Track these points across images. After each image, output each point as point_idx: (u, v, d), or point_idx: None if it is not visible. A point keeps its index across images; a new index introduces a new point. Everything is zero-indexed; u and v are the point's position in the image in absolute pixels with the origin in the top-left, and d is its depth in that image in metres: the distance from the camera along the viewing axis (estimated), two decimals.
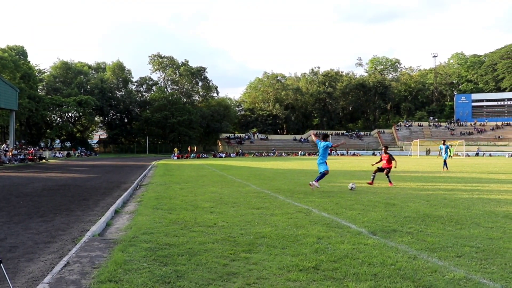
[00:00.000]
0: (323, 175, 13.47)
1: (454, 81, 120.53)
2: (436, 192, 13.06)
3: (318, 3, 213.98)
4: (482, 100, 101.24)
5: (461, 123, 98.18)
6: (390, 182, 15.48)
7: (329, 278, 4.66)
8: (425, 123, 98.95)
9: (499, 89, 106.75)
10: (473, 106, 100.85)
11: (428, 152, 76.19)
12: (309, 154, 76.15)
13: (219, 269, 4.96)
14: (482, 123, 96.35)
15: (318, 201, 10.79)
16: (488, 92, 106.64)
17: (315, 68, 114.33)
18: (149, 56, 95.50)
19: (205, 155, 68.94)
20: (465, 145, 71.80)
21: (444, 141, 28.74)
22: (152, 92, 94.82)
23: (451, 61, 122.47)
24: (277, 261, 5.30)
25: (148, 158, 58.31)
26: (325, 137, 13.97)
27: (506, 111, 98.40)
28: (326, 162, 13.60)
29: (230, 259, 5.40)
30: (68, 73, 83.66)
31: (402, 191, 13.29)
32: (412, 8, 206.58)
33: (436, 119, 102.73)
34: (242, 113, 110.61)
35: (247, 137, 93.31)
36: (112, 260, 5.32)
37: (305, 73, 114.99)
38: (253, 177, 20.09)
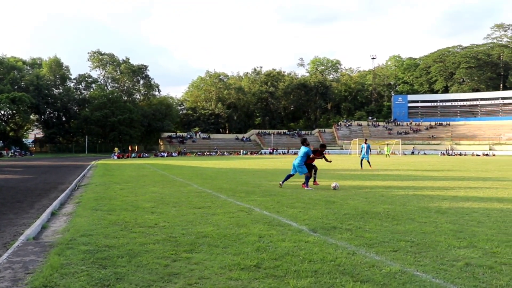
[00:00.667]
0: (307, 178, 14.04)
1: (392, 83, 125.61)
2: (374, 190, 13.52)
3: (261, 3, 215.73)
4: (417, 101, 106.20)
5: (398, 122, 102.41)
6: (314, 181, 15.45)
7: (271, 276, 4.70)
8: (364, 123, 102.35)
9: (432, 91, 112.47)
10: (409, 107, 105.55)
11: None
12: (251, 153, 76.61)
13: (160, 270, 4.88)
14: (417, 123, 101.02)
15: (260, 200, 10.87)
16: (422, 93, 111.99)
17: (258, 67, 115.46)
18: (88, 53, 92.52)
19: (146, 154, 67.66)
20: (401, 144, 74.92)
21: (366, 140, 29.31)
22: (91, 90, 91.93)
23: (389, 63, 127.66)
24: (218, 260, 5.28)
25: (87, 158, 56.37)
26: (304, 142, 14.67)
27: (439, 112, 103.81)
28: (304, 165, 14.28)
29: (172, 259, 5.33)
30: (0, 68, 79.28)
31: (342, 189, 13.65)
32: (352, 11, 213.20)
33: (375, 119, 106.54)
34: (184, 112, 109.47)
35: (189, 136, 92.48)
36: (48, 264, 5.09)
37: (247, 73, 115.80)
38: (195, 176, 19.94)
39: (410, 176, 19.93)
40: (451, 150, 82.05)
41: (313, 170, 15.19)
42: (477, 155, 72.06)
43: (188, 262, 5.20)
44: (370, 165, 26.45)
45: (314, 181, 15.20)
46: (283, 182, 14.63)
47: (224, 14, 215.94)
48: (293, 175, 14.66)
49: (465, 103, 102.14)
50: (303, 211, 9.01)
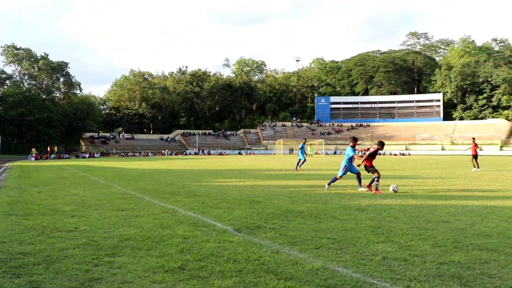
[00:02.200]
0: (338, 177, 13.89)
1: (315, 84, 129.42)
2: (298, 189, 13.85)
3: (188, 2, 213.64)
4: (339, 103, 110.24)
5: (321, 123, 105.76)
6: None
7: (195, 277, 4.67)
8: (288, 123, 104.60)
9: (353, 93, 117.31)
10: (331, 108, 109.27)
11: (291, 151, 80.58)
12: (176, 154, 75.61)
13: (81, 276, 4.68)
14: (340, 123, 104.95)
15: (184, 201, 10.76)
16: (344, 95, 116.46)
17: (183, 67, 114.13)
18: (1, 47, 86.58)
19: (66, 155, 64.63)
20: (324, 144, 77.43)
21: (305, 140, 28.94)
22: (5, 87, 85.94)
23: (313, 65, 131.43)
24: (142, 263, 5.16)
25: (1, 159, 52.69)
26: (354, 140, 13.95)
27: (359, 113, 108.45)
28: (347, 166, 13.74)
29: (93, 264, 5.13)
30: None
31: (266, 189, 13.85)
32: (278, 13, 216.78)
33: (299, 120, 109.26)
34: (107, 111, 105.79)
35: (112, 136, 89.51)
36: None
37: (172, 72, 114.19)
38: (118, 178, 19.35)
39: (332, 175, 20.58)
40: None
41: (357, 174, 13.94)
42: (395, 154, 76.01)
43: (110, 267, 5.04)
44: (298, 166, 25.12)
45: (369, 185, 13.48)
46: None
47: (150, 11, 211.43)
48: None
49: (383, 105, 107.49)
50: (227, 212, 9.03)
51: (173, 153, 76.83)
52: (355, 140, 13.83)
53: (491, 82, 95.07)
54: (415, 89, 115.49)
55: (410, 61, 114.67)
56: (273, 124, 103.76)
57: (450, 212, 8.92)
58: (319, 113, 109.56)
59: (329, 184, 13.91)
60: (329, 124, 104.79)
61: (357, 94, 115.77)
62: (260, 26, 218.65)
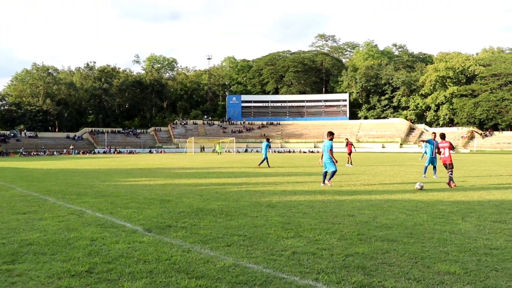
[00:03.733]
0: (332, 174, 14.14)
1: (226, 83, 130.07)
2: (209, 187, 13.86)
3: None
4: (250, 101, 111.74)
5: (232, 121, 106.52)
6: None
7: (104, 280, 4.52)
8: (199, 121, 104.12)
9: (264, 92, 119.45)
10: (242, 107, 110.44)
11: (202, 149, 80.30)
12: (83, 153, 72.27)
13: None
14: (250, 122, 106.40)
15: (92, 201, 10.36)
16: (255, 94, 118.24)
17: (91, 62, 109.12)
18: None
19: None
20: (235, 142, 78.10)
21: (268, 139, 29.48)
22: None
23: (224, 64, 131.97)
24: (46, 269, 4.89)
25: None
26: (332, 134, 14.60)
27: (270, 112, 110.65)
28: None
29: None
30: None
31: (177, 187, 13.72)
32: (191, 11, 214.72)
33: (210, 118, 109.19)
34: (6, 107, 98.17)
35: (12, 134, 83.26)
36: None
37: (80, 68, 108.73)
38: (19, 179, 18.10)
39: (243, 173, 20.89)
40: (281, 147, 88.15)
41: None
42: (304, 152, 78.54)
43: (9, 275, 4.71)
44: (267, 163, 26.42)
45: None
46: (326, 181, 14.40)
47: (55, 2, 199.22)
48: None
49: (293, 104, 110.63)
50: (137, 211, 8.84)
51: (81, 152, 73.32)
52: (332, 134, 14.68)
53: (392, 84, 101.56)
54: (323, 89, 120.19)
55: (319, 62, 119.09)
56: (184, 122, 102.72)
57: (355, 207, 9.42)
58: (230, 112, 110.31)
59: (328, 180, 14.35)
60: (240, 122, 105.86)
61: (268, 93, 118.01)
62: (172, 23, 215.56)
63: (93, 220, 7.88)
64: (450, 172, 13.99)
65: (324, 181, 14.38)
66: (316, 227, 7.17)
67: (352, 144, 29.95)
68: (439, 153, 14.69)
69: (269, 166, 26.08)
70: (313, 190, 12.99)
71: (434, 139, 17.69)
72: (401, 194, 11.87)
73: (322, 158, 14.46)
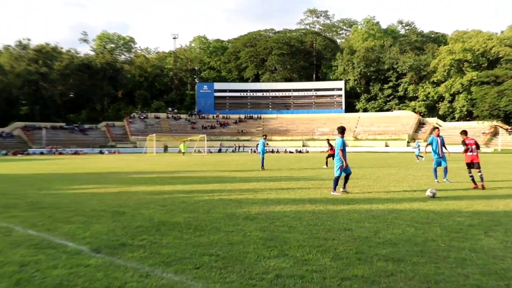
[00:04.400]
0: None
1: (196, 68, 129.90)
2: (174, 196, 13.75)
3: None
4: (225, 91, 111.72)
5: (203, 115, 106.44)
6: None
7: None
8: (163, 115, 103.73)
9: (242, 79, 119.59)
10: (216, 97, 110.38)
11: (166, 149, 79.90)
12: (14, 154, 71.23)
13: None
14: (226, 115, 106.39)
15: (24, 216, 10.17)
16: (231, 81, 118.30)
17: (24, 40, 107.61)
18: None
19: None
20: (207, 140, 77.83)
21: (265, 135, 30.70)
22: None
23: (193, 44, 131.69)
24: None
25: None
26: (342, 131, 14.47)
27: (249, 103, 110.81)
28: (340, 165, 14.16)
29: None
30: None
31: (135, 196, 13.58)
32: None
33: (176, 111, 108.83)
34: None
35: None
36: None
37: (9, 46, 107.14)
38: None
39: (217, 178, 20.80)
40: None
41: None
42: (290, 152, 78.76)
43: None
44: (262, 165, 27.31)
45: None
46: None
47: None
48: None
49: (277, 94, 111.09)
50: (83, 227, 8.70)
51: (10, 153, 72.22)
52: (342, 130, 14.55)
53: (397, 69, 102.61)
54: (314, 75, 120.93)
55: (308, 43, 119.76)
56: (144, 115, 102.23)
57: (352, 218, 9.42)
58: (201, 103, 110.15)
59: (333, 189, 14.41)
60: (213, 116, 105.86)
61: (247, 81, 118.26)
62: None
63: (24, 240, 7.71)
64: (480, 172, 15.19)
65: (344, 185, 14.58)
66: (305, 244, 7.13)
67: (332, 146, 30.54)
68: (468, 150, 15.51)
69: (262, 168, 26.88)
70: (301, 198, 12.98)
71: (437, 136, 17.94)
72: (409, 203, 11.93)
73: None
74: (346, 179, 14.56)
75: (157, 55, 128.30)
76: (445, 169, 17.89)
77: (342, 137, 14.23)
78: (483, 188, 14.82)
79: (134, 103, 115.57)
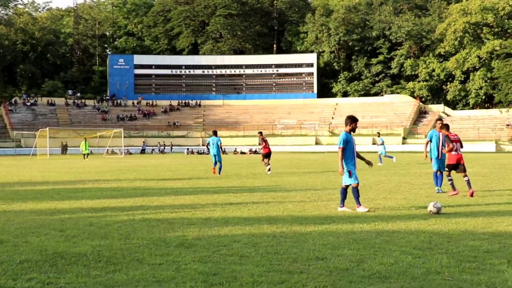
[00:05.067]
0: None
1: (108, 33, 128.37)
2: (77, 216, 13.61)
3: None
4: (150, 67, 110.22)
5: (119, 101, 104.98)
6: None
7: None
8: (60, 101, 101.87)
9: (174, 51, 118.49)
10: (136, 75, 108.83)
11: (64, 149, 78.37)
12: None
13: None
14: (151, 101, 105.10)
15: None
16: (159, 54, 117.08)
17: None
18: None
19: None
20: (125, 137, 76.86)
21: (215, 132, 31.13)
22: None
23: (102, 0, 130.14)
24: None
25: None
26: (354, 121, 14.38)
27: (184, 85, 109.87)
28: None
29: None
30: None
31: (18, 218, 13.41)
32: None
33: (79, 94, 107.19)
34: None
35: None
36: None
37: None
38: None
39: (139, 190, 20.70)
40: (202, 145, 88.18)
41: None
42: (242, 152, 78.78)
43: None
44: (218, 168, 28.51)
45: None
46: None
47: None
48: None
49: (224, 71, 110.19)
50: None
51: None
52: (354, 120, 14.43)
53: (390, 37, 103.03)
54: (275, 46, 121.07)
55: (267, 1, 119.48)
56: (32, 101, 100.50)
57: (327, 244, 9.53)
58: (115, 84, 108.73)
59: (341, 204, 14.47)
60: (133, 103, 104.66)
61: (181, 53, 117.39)
62: None
63: None
64: (466, 177, 15.99)
65: (357, 202, 14.40)
66: (262, 279, 7.17)
67: (267, 141, 31.65)
68: (453, 149, 15.97)
69: (219, 173, 28.11)
70: (257, 216, 13.06)
71: (440, 131, 18.23)
72: (405, 221, 12.12)
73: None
74: (345, 192, 14.54)
75: (50, 14, 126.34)
76: (441, 174, 18.21)
77: (349, 131, 14.18)
78: (471, 195, 15.60)
79: (16, 83, 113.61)
